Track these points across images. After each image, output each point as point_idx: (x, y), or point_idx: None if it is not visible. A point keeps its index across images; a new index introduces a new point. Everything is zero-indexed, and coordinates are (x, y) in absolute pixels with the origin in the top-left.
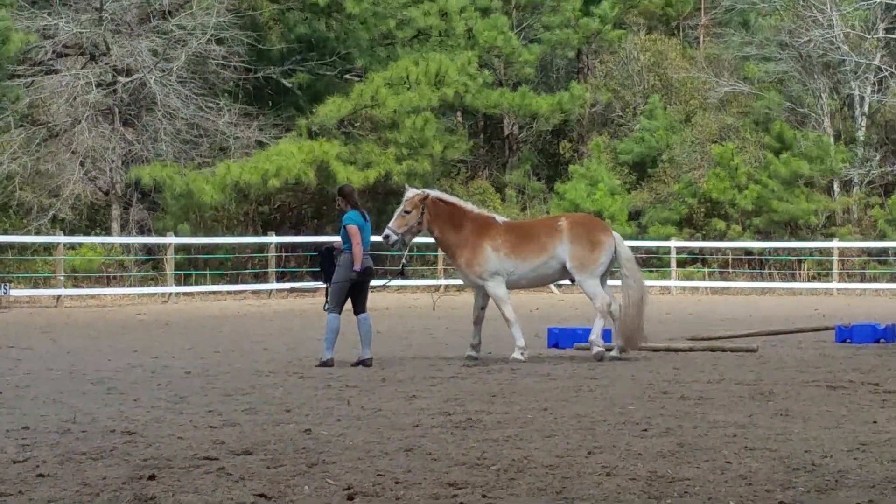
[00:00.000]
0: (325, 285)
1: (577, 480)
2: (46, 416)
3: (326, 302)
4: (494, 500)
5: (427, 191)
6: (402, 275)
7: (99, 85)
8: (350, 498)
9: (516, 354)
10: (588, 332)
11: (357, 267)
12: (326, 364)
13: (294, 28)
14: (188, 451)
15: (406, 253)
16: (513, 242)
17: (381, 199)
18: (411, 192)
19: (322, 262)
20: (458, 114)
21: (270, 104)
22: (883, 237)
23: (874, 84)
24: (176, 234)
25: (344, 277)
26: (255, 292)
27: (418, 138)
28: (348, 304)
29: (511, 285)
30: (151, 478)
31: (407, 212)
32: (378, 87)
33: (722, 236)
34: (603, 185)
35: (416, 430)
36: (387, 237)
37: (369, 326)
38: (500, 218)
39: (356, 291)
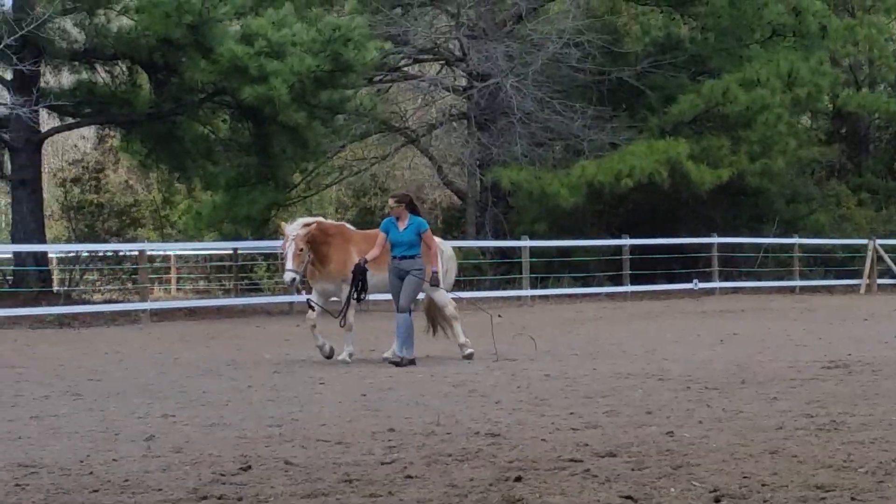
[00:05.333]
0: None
1: None
2: (410, 419)
3: (342, 317)
4: (863, 502)
5: (307, 221)
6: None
7: (455, 90)
8: (717, 500)
9: (344, 355)
10: None
11: (436, 268)
12: (413, 363)
13: (650, 29)
14: (552, 454)
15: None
16: (366, 251)
17: (733, 199)
18: (298, 231)
19: (357, 278)
20: (811, 114)
21: (624, 106)
22: None
23: None
24: (530, 238)
25: (420, 280)
26: (609, 295)
27: (770, 136)
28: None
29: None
30: (518, 479)
31: (301, 249)
32: (730, 84)
33: None
34: None
35: (779, 433)
36: (293, 280)
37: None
38: (348, 226)
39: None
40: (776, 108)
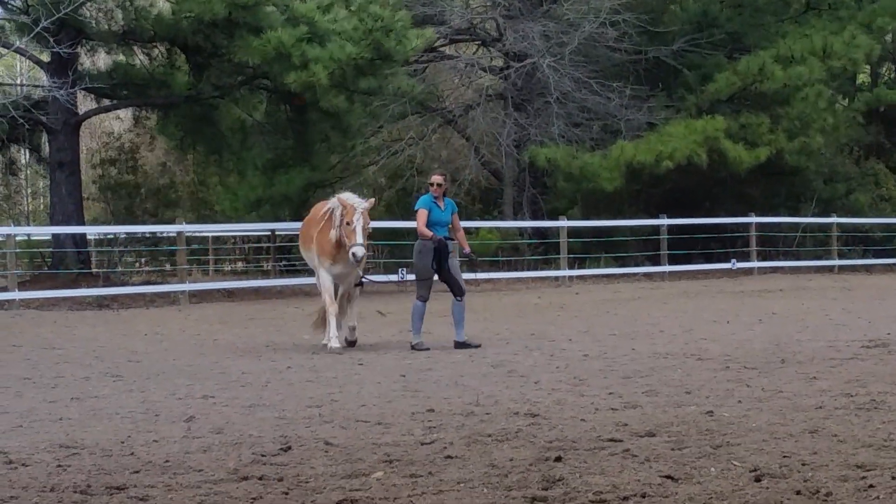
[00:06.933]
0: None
1: None
2: (450, 399)
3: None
4: None
5: (361, 204)
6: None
7: (491, 70)
8: (757, 480)
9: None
10: None
11: (467, 250)
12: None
13: (688, 7)
14: (592, 433)
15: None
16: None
17: (771, 180)
18: (363, 205)
19: (439, 254)
20: (848, 94)
21: (661, 86)
22: None
23: None
24: (568, 218)
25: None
26: (647, 275)
27: (809, 112)
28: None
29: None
30: (558, 459)
31: (368, 224)
32: (765, 60)
33: None
34: None
35: (818, 412)
36: (364, 256)
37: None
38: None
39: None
40: (814, 84)
